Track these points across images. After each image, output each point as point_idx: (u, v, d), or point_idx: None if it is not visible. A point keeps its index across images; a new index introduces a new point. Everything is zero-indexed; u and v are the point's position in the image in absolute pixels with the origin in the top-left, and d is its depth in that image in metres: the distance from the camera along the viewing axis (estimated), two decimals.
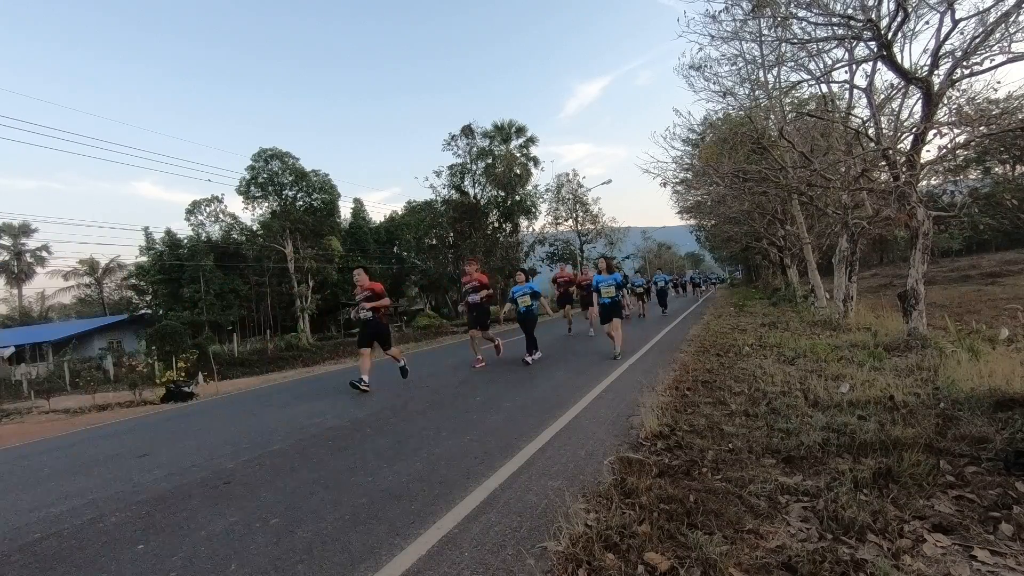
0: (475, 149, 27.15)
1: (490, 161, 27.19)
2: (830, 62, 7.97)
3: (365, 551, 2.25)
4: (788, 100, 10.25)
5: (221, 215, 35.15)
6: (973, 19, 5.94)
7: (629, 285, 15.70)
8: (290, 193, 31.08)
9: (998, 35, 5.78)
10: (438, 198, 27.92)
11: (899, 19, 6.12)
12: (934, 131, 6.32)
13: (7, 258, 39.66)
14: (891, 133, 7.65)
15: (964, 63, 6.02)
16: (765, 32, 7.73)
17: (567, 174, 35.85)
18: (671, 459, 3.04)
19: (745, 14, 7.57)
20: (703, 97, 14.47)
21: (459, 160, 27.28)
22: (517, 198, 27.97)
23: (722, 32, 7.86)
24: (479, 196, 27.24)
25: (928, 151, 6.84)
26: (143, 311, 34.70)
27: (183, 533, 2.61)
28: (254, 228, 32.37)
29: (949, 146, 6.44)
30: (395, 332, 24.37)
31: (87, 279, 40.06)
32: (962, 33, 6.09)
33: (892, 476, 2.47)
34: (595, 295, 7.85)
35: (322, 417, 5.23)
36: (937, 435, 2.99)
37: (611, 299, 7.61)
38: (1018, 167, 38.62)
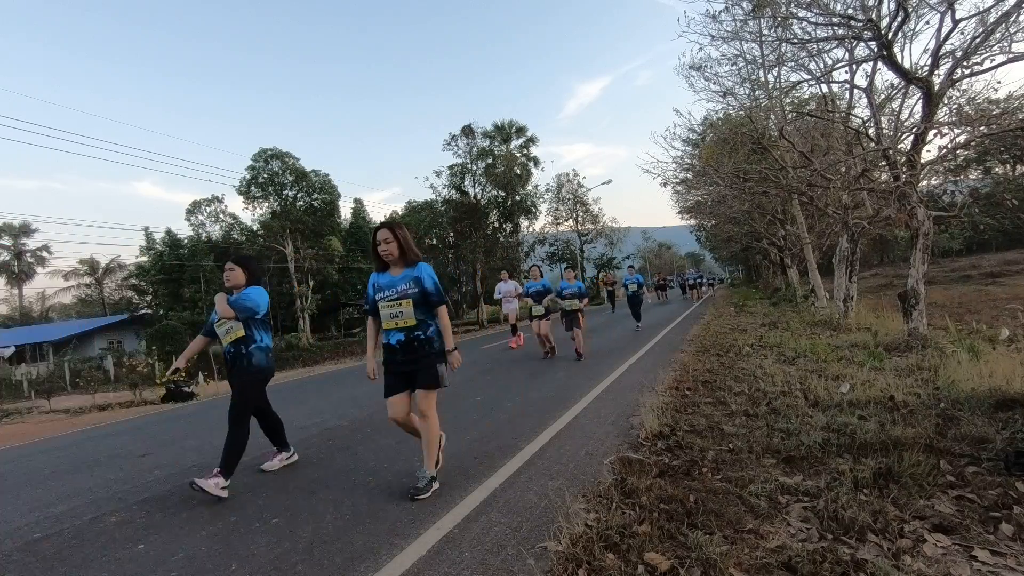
0: (475, 149, 27.11)
1: (490, 161, 27.16)
2: (830, 62, 7.98)
3: (365, 551, 2.25)
4: (788, 100, 10.26)
5: (221, 215, 35.22)
6: (973, 19, 5.95)
7: (549, 294, 8.18)
8: (290, 193, 31.12)
9: (998, 35, 5.78)
10: (438, 198, 27.89)
11: (899, 19, 6.12)
12: (934, 131, 6.31)
13: (7, 258, 39.64)
14: (891, 133, 7.64)
15: (964, 63, 6.02)
16: (765, 32, 7.75)
17: (567, 174, 35.96)
18: (671, 459, 3.04)
19: (745, 14, 7.59)
20: (703, 97, 14.54)
21: (459, 160, 27.25)
22: (517, 198, 27.94)
23: (722, 32, 7.89)
24: (479, 196, 27.19)
25: (928, 151, 6.85)
26: (143, 311, 34.75)
27: (183, 533, 2.61)
28: (254, 228, 32.39)
29: (949, 146, 6.44)
30: None
31: (87, 279, 40.08)
32: (962, 33, 6.10)
33: (892, 476, 2.47)
34: (371, 320, 3.12)
35: (322, 417, 5.24)
36: (937, 435, 2.99)
37: (408, 334, 2.92)
38: (1018, 167, 38.65)
